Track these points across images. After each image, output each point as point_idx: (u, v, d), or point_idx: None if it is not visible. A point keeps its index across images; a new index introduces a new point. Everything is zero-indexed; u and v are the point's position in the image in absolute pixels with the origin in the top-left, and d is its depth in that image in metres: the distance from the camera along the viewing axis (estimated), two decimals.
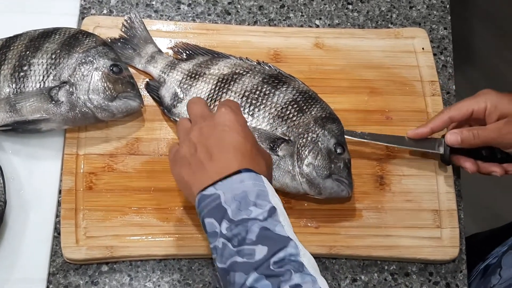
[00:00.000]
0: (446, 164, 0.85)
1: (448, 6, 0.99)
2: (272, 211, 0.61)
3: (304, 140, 0.78)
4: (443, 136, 0.82)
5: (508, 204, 1.75)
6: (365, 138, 0.83)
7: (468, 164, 0.81)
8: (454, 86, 0.93)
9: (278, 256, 0.59)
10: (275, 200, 0.62)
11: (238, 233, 0.60)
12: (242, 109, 0.80)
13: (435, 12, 0.99)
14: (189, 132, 0.67)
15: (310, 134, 0.79)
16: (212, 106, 0.81)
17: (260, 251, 0.59)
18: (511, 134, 0.77)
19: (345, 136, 0.82)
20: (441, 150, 0.82)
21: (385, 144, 0.84)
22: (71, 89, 0.79)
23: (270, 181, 0.65)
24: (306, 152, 0.78)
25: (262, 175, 0.63)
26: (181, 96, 0.83)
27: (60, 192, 0.80)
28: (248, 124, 0.77)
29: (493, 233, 1.05)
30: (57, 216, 0.79)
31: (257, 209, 0.61)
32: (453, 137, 0.79)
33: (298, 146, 0.78)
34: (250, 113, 0.80)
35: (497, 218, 1.24)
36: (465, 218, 0.85)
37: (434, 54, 0.94)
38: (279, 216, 0.61)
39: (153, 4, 0.94)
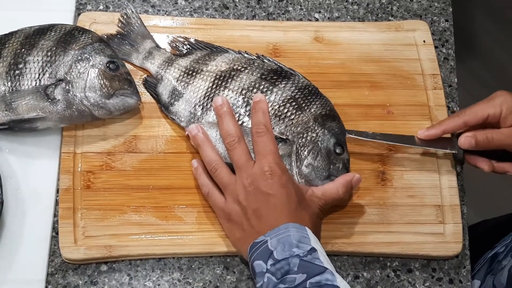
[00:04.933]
0: (459, 164, 0.83)
1: None
2: (313, 250, 0.67)
3: (303, 139, 0.77)
4: (455, 135, 0.81)
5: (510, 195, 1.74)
6: (376, 138, 0.82)
7: (483, 164, 0.81)
8: (456, 79, 0.92)
9: (315, 279, 0.65)
10: (317, 246, 0.68)
11: (281, 267, 0.66)
12: (239, 108, 0.79)
13: (436, 4, 0.97)
14: (237, 190, 0.73)
15: (309, 133, 0.78)
16: (209, 106, 0.80)
17: (300, 277, 0.65)
18: None
19: (356, 137, 0.81)
20: (454, 150, 0.81)
21: (397, 144, 0.83)
22: (67, 87, 0.78)
23: (315, 231, 0.71)
24: (306, 152, 0.77)
25: (306, 226, 0.69)
26: (179, 94, 0.82)
27: (57, 191, 0.79)
28: (244, 125, 0.76)
29: (499, 221, 1.04)
30: (55, 215, 0.78)
31: (299, 249, 0.67)
32: (467, 140, 0.78)
33: (297, 145, 0.77)
34: (247, 113, 0.79)
35: (499, 209, 1.23)
36: (466, 210, 0.84)
37: (436, 47, 0.93)
38: (319, 255, 0.67)
39: None
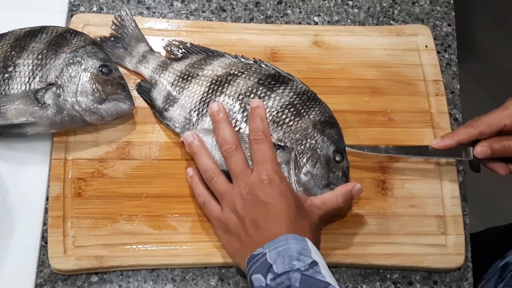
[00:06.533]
0: (475, 171, 0.80)
1: (452, 1, 0.96)
2: (314, 264, 0.64)
3: (302, 146, 0.75)
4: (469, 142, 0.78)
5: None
6: (390, 153, 0.79)
7: (499, 168, 0.78)
8: (458, 85, 0.90)
9: None
10: (318, 258, 0.65)
11: (282, 282, 0.63)
12: (235, 114, 0.77)
13: (438, 8, 0.95)
14: (234, 199, 0.71)
15: (308, 140, 0.75)
16: (205, 111, 0.77)
17: None
18: None
19: (370, 153, 0.79)
20: (470, 157, 0.78)
21: (411, 156, 0.80)
22: (58, 91, 0.76)
23: (315, 241, 0.69)
24: (304, 160, 0.74)
25: (306, 237, 0.67)
26: (173, 99, 0.79)
27: (47, 199, 0.77)
28: (241, 131, 0.74)
29: (507, 229, 1.02)
30: (45, 224, 0.76)
31: (300, 262, 0.64)
32: (483, 150, 0.76)
33: (296, 153, 0.75)
34: (244, 119, 0.77)
35: (501, 216, 1.21)
36: (468, 217, 0.82)
37: (438, 52, 0.90)
38: (321, 268, 0.64)
39: (145, 1, 0.91)
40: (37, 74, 0.76)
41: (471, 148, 0.78)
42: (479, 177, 0.84)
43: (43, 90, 0.76)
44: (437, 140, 0.78)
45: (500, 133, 0.77)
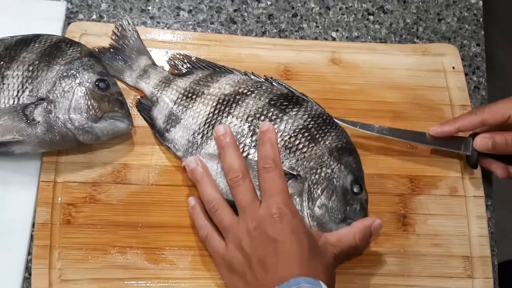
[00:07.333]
0: (471, 168, 0.76)
1: (481, 19, 0.88)
2: None
3: (316, 176, 0.68)
4: (471, 135, 0.74)
5: None
6: (383, 134, 0.75)
7: (498, 170, 0.74)
8: None
9: None
10: None
11: None
12: (244, 138, 0.70)
13: (466, 26, 0.88)
14: (239, 235, 0.65)
15: (324, 169, 0.68)
16: (210, 134, 0.71)
17: None
18: None
19: (362, 130, 0.74)
20: (468, 152, 0.74)
21: (404, 140, 0.75)
22: (49, 107, 0.69)
23: (330, 284, 0.62)
24: (319, 191, 0.67)
25: (320, 280, 0.60)
26: (176, 119, 0.72)
27: (33, 225, 0.70)
28: (250, 157, 0.67)
29: None
30: (29, 253, 0.69)
31: None
32: (483, 142, 0.72)
33: (310, 183, 0.68)
34: (253, 144, 0.70)
35: None
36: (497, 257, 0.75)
37: (466, 74, 0.83)
38: None
39: (149, 10, 0.84)
40: (26, 88, 0.70)
41: (471, 139, 0.73)
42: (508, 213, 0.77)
43: (33, 106, 0.69)
44: (435, 127, 0.74)
45: (503, 127, 0.73)
